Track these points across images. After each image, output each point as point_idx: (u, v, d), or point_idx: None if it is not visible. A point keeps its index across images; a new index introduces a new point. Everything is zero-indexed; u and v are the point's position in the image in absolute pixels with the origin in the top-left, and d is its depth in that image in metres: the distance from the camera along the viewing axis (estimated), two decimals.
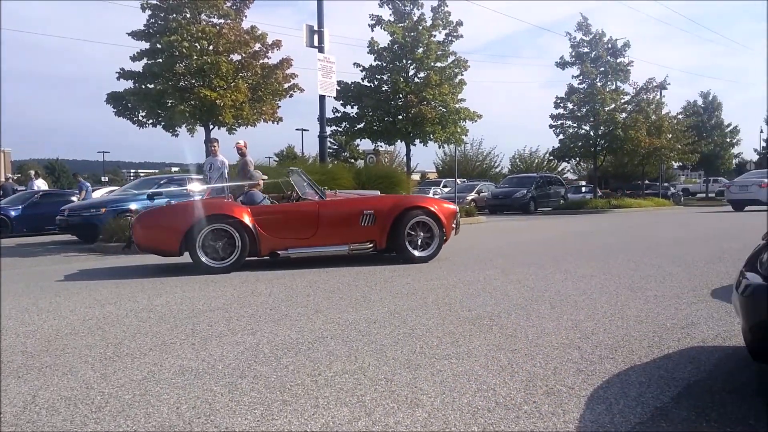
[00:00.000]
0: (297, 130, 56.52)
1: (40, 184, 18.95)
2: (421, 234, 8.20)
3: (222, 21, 12.30)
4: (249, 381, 3.18)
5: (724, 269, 6.88)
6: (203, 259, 7.40)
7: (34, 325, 4.58)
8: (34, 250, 11.68)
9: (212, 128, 12.38)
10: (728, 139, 44.99)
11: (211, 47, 12.00)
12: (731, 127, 45.41)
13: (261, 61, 12.36)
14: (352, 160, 46.24)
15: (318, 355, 3.64)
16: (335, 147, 52.51)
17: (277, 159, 58.84)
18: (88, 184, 18.20)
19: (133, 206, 13.47)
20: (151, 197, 13.93)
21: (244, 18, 12.53)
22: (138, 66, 12.00)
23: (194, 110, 11.65)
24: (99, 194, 18.01)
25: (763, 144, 54.73)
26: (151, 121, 12.03)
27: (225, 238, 7.51)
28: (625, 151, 26.67)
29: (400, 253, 8.14)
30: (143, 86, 11.89)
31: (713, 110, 44.86)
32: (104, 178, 20.07)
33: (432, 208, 8.27)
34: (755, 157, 53.26)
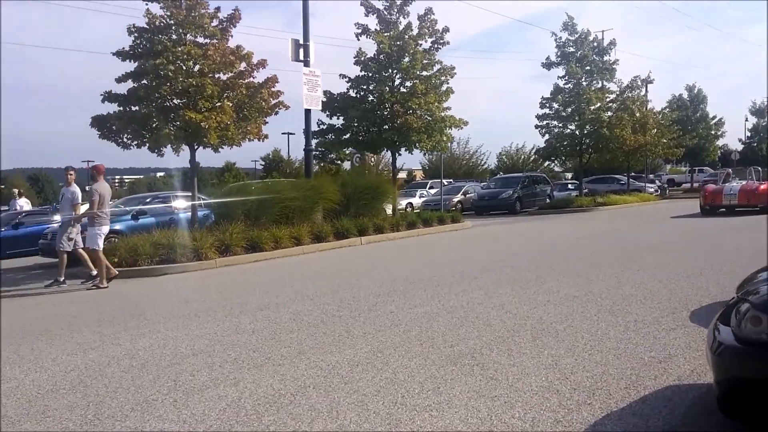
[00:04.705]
0: (283, 134, 56.37)
1: (23, 204, 18.78)
2: None
3: (207, 41, 12.22)
4: None
5: (704, 285, 6.94)
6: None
7: (16, 380, 4.56)
8: (17, 276, 11.59)
9: (197, 148, 12.33)
10: (713, 132, 45.25)
11: (196, 68, 11.93)
12: (716, 120, 45.65)
13: (246, 80, 12.31)
14: (339, 162, 46.18)
15: (299, 410, 3.65)
16: (321, 150, 52.45)
17: (263, 163, 58.82)
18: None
19: (118, 226, 13.42)
20: (135, 216, 13.90)
21: (230, 37, 12.47)
22: (123, 88, 11.91)
23: (179, 132, 11.58)
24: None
25: (748, 134, 55.25)
26: (135, 143, 11.95)
27: None
28: (609, 149, 26.84)
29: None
30: (128, 108, 11.81)
31: (698, 103, 45.07)
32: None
33: None
34: (740, 147, 53.73)
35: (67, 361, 5.04)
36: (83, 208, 10.33)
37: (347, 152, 20.40)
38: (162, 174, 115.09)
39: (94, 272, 9.67)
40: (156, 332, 5.97)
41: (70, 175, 10.34)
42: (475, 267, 9.47)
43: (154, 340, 5.63)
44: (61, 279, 9.77)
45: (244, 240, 12.07)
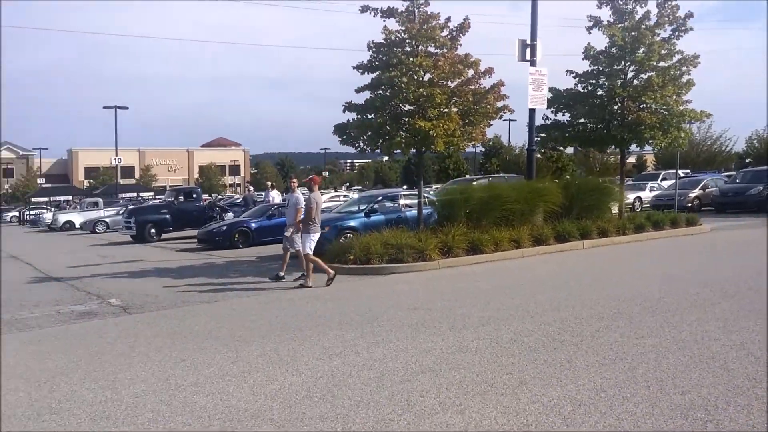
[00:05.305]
0: (504, 120, 56.01)
1: (275, 195, 21.37)
2: None
3: (438, 51, 12.82)
4: None
5: None
6: None
7: (278, 383, 5.39)
8: (271, 267, 13.31)
9: (425, 152, 13.07)
10: None
11: (426, 77, 12.62)
12: None
13: (473, 87, 12.70)
14: (561, 149, 44.83)
15: None
16: (542, 135, 51.21)
17: (483, 149, 59.18)
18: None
19: (353, 223, 14.74)
20: (368, 214, 15.12)
21: (459, 46, 12.95)
22: (360, 98, 13.09)
23: (410, 140, 12.41)
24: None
25: None
26: (370, 147, 13.08)
27: None
28: None
29: None
30: (365, 117, 12.93)
31: None
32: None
33: None
34: None
35: (317, 367, 5.81)
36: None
37: None
38: (387, 159, 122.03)
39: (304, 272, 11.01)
40: (388, 342, 6.56)
41: (293, 183, 12.30)
42: (712, 288, 8.73)
43: (387, 351, 6.21)
44: (307, 275, 10.97)
45: (465, 242, 12.48)
